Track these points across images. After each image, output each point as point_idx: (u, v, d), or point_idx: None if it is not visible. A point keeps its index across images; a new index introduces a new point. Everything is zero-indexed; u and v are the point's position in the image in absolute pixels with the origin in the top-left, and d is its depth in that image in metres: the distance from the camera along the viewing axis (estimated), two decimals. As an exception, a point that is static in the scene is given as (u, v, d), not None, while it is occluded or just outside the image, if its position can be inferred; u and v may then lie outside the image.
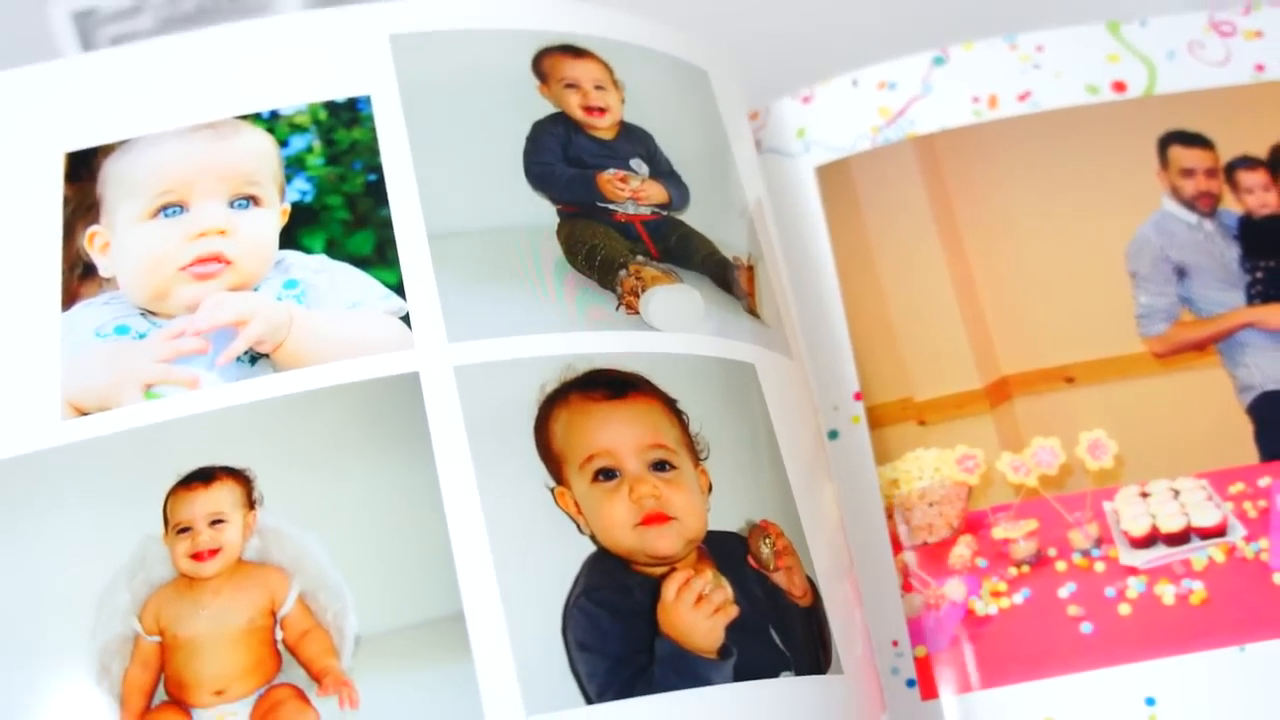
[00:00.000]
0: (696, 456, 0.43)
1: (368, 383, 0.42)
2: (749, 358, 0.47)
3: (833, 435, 0.53)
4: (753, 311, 0.49)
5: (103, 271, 0.46)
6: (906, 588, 0.50)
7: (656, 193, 0.50)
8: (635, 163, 0.51)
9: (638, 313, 0.45)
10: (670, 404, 0.43)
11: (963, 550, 0.51)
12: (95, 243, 0.47)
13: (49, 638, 0.39)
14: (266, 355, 0.43)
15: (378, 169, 0.47)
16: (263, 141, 0.48)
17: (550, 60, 0.52)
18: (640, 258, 0.48)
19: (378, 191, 0.47)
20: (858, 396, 0.54)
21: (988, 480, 0.52)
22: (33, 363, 0.43)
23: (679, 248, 0.49)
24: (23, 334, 0.44)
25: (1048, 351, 0.54)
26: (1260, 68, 0.58)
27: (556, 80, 0.52)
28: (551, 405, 0.42)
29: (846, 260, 0.56)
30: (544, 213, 0.48)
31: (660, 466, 0.42)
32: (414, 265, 0.45)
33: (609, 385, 0.43)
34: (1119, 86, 0.58)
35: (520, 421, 0.41)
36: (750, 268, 0.50)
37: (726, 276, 0.49)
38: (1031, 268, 0.55)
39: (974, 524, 0.51)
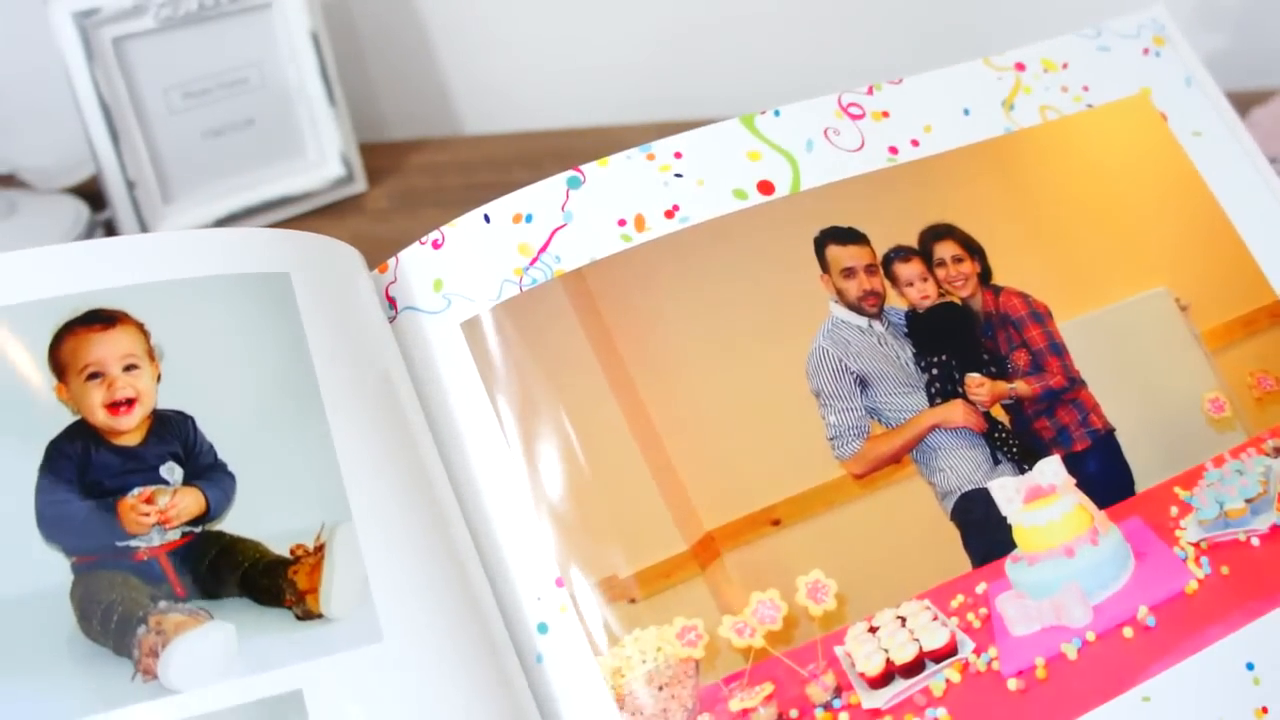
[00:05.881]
0: None
1: None
2: (297, 683, 0.45)
3: (542, 629, 0.51)
4: (310, 614, 0.47)
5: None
6: (651, 789, 0.48)
7: (189, 505, 0.49)
8: (166, 469, 0.49)
9: (156, 677, 0.44)
10: None
11: (704, 733, 0.50)
12: None
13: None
14: None
15: None
16: None
17: (72, 342, 0.49)
18: (163, 604, 0.47)
19: None
20: (559, 583, 0.51)
21: (714, 650, 0.51)
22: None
23: (212, 572, 0.48)
24: None
25: (747, 496, 0.54)
26: (894, 150, 0.61)
27: (77, 372, 0.49)
28: None
29: (516, 429, 0.53)
30: (56, 570, 0.45)
31: None
32: None
33: None
34: (766, 187, 0.59)
35: None
36: (320, 547, 0.48)
37: (274, 587, 0.48)
38: (711, 405, 0.55)
39: (709, 700, 0.50)
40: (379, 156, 1.04)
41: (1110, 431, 0.58)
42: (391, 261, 0.58)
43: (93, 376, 0.49)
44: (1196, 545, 0.55)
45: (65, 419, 0.48)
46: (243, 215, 0.96)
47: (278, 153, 0.98)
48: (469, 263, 0.56)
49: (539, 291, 0.55)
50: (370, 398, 0.52)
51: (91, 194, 0.94)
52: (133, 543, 0.47)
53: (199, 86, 0.93)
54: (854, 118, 0.61)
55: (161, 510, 0.48)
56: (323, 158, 0.99)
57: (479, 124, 1.12)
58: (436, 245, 0.57)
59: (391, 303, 0.57)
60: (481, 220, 0.57)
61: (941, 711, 0.50)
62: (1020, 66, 0.65)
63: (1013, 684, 0.50)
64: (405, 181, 1.02)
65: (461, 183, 1.01)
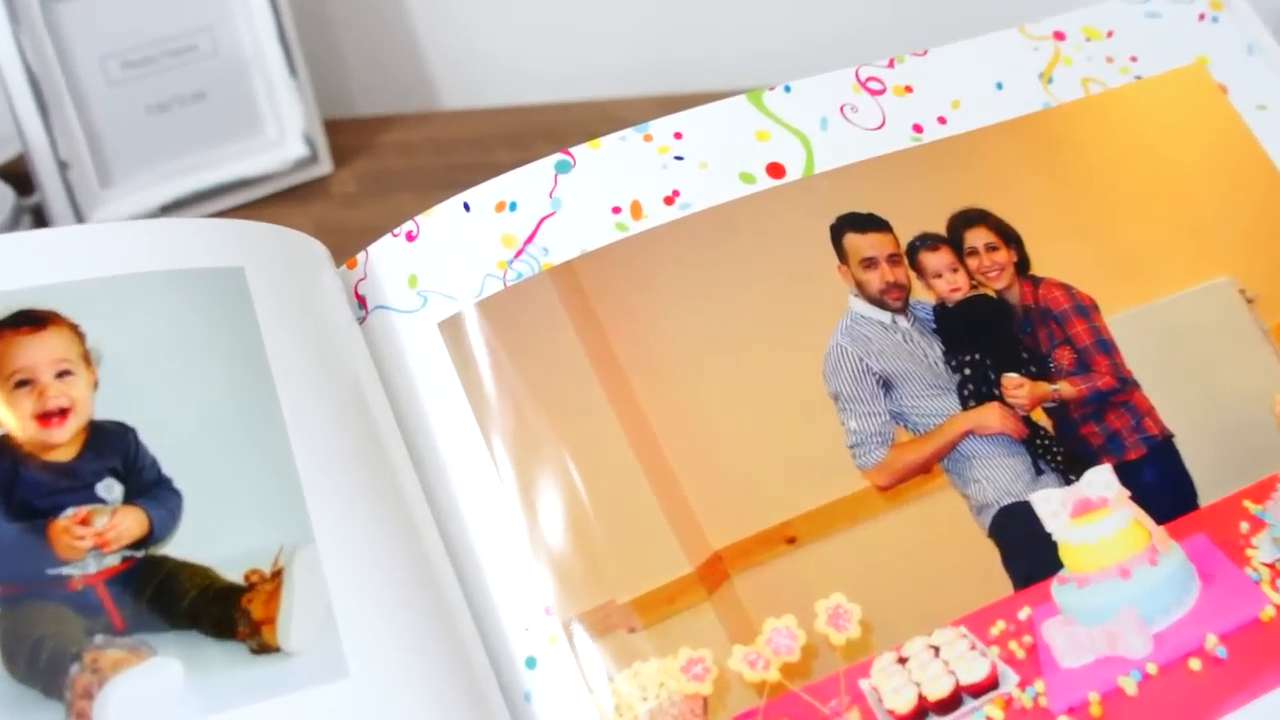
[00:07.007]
0: None
1: None
2: None
3: (530, 663, 0.47)
4: (266, 648, 0.44)
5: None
6: (653, 839, 0.45)
7: (130, 526, 0.46)
8: (104, 487, 0.46)
9: None
10: None
11: (712, 779, 0.46)
12: None
13: None
14: None
15: None
16: None
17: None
18: (100, 638, 0.44)
19: None
20: (549, 610, 0.47)
21: (723, 685, 0.47)
22: None
23: (156, 601, 0.45)
24: None
25: (759, 511, 0.51)
26: (918, 128, 0.58)
27: (4, 380, 0.46)
28: None
29: (499, 440, 0.50)
30: None
31: None
32: None
33: None
34: (776, 170, 0.56)
35: None
36: (277, 573, 0.45)
37: (225, 617, 0.45)
38: (718, 411, 0.53)
39: (718, 742, 0.47)
40: (346, 134, 1.00)
41: (1168, 438, 0.54)
42: (361, 256, 0.55)
43: (21, 384, 0.46)
44: (1271, 566, 0.50)
45: None
46: (191, 201, 0.91)
47: (231, 130, 0.93)
48: (447, 256, 0.53)
49: (525, 287, 0.52)
50: (336, 406, 0.49)
51: (17, 176, 0.90)
52: (65, 570, 0.45)
53: (141, 55, 0.88)
54: (874, 93, 0.59)
55: (99, 533, 0.45)
56: (282, 136, 0.95)
57: (458, 98, 1.08)
58: (410, 237, 0.54)
59: (361, 302, 0.54)
60: (460, 209, 0.54)
61: (982, 754, 0.46)
62: (1059, 35, 0.62)
63: (1064, 722, 0.47)
64: (376, 162, 0.99)
65: (439, 164, 0.98)
